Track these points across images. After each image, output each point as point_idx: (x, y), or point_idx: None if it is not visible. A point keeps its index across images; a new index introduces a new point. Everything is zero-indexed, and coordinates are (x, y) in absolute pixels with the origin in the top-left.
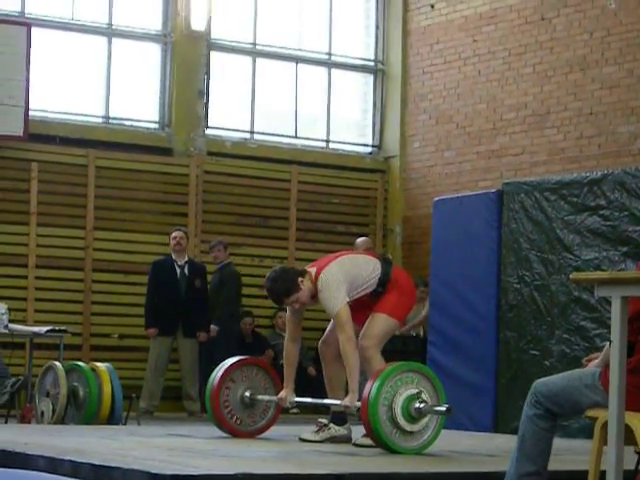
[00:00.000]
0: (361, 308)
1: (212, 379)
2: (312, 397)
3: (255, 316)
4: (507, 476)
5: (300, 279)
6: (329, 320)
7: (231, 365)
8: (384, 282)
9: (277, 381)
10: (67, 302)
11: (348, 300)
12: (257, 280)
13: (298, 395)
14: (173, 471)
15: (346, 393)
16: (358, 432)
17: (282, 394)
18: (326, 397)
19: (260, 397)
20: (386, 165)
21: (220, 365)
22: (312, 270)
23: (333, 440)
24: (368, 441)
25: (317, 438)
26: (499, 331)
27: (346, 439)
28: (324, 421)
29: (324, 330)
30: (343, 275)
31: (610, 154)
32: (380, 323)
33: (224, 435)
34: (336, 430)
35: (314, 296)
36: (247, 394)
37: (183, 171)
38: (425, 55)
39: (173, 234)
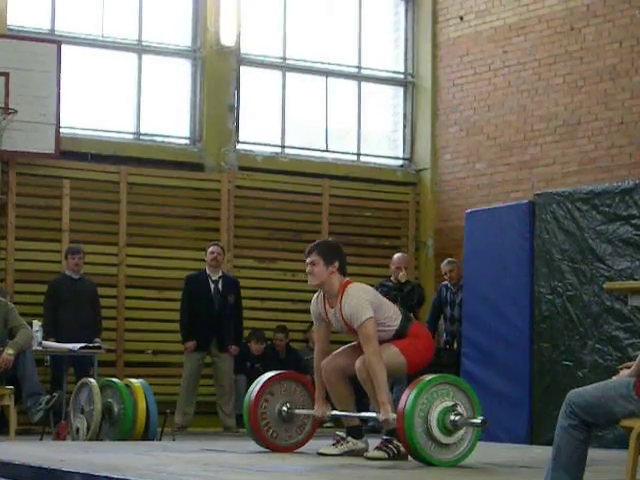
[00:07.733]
0: None
1: (250, 391)
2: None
3: (290, 330)
4: None
5: (332, 269)
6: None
7: (271, 378)
8: (400, 335)
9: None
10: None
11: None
12: (290, 295)
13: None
14: None
15: (359, 407)
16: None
17: (318, 410)
18: (363, 405)
19: (298, 411)
20: (417, 178)
21: (259, 378)
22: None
23: (351, 453)
24: (380, 454)
25: (335, 452)
26: (532, 342)
27: (364, 452)
28: (342, 434)
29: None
30: (369, 296)
31: None
32: (389, 354)
33: (259, 450)
34: (354, 443)
35: (330, 302)
36: (285, 408)
37: (215, 186)
38: (455, 67)
39: (210, 249)
